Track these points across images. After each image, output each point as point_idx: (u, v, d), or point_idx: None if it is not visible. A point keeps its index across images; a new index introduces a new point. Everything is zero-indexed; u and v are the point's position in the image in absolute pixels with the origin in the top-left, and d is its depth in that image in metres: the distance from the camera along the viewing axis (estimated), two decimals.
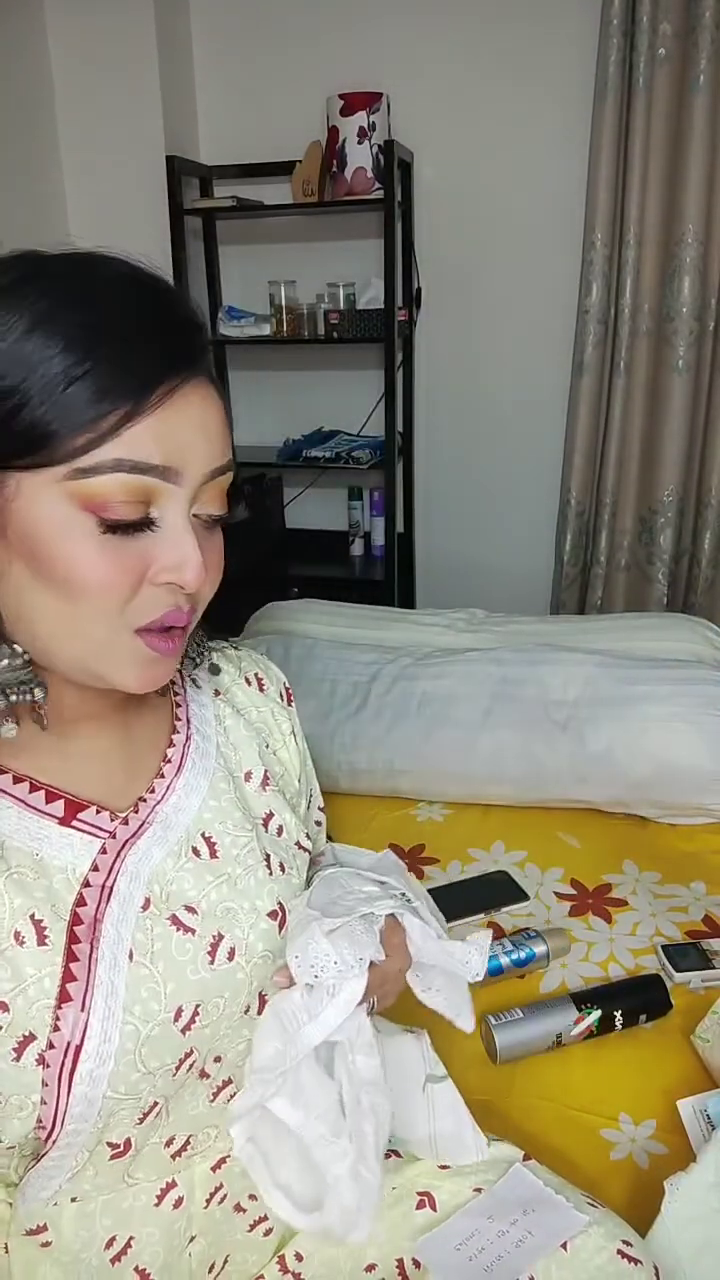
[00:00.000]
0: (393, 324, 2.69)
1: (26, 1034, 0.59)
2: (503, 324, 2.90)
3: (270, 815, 0.77)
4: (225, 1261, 0.76)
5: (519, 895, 1.42)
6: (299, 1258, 0.80)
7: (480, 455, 3.05)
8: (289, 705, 0.85)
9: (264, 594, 2.23)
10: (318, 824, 0.92)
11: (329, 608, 2.08)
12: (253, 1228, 0.77)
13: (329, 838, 0.94)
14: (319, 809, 0.92)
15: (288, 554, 3.20)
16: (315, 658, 1.84)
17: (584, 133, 2.58)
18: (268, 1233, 0.78)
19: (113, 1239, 0.68)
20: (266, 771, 0.78)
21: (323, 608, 2.08)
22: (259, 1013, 0.71)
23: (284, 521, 3.26)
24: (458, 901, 1.39)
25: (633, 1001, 1.18)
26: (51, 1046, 0.60)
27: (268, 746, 0.80)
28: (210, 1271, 0.75)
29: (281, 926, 0.72)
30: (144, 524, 0.56)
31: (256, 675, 0.83)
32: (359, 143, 2.59)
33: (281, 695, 0.85)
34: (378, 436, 2.89)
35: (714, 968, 1.26)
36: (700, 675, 1.67)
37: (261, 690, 0.83)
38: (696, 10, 2.37)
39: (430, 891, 0.91)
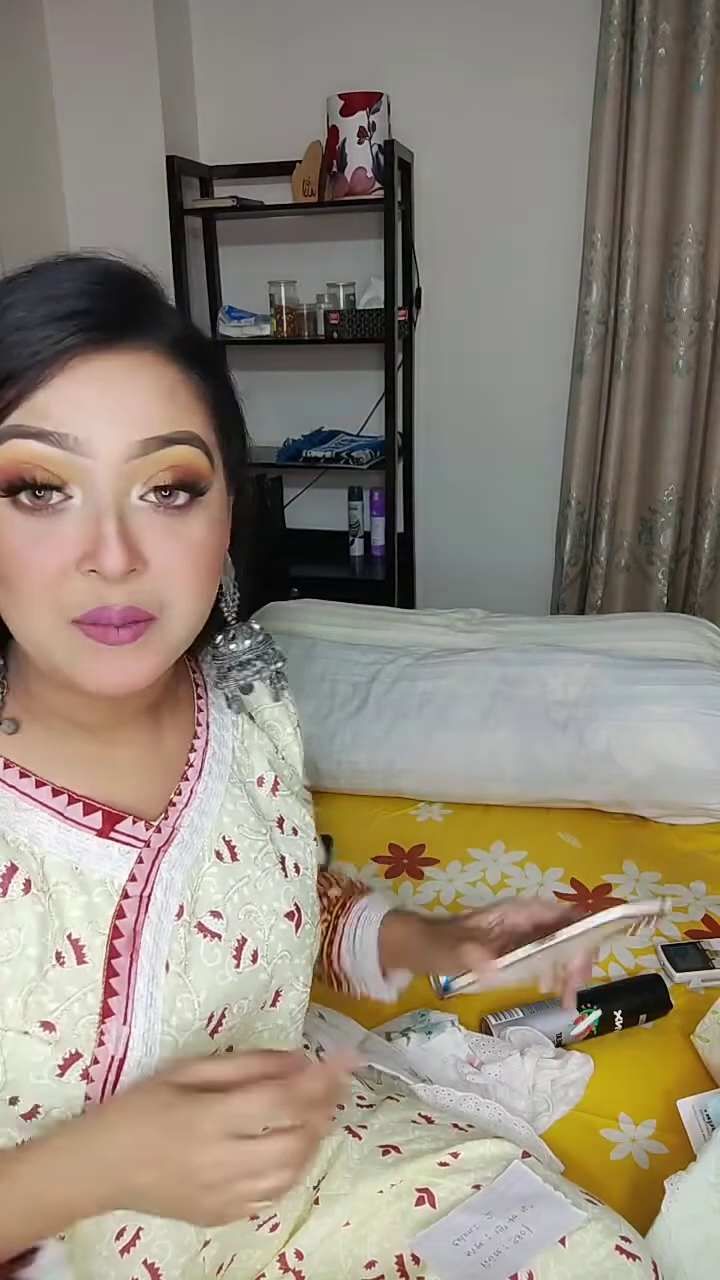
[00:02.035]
0: (393, 324, 2.69)
1: (73, 1052, 0.60)
2: (503, 324, 2.90)
3: (282, 819, 0.77)
4: (232, 1260, 0.76)
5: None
6: (299, 1255, 0.80)
7: (480, 455, 3.05)
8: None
9: (264, 594, 2.23)
10: None
11: (329, 608, 2.08)
12: (259, 1225, 0.77)
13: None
14: None
15: (288, 554, 3.20)
16: (315, 658, 1.84)
17: (584, 133, 2.58)
18: (274, 1228, 0.78)
19: (123, 1230, 0.68)
20: (277, 777, 0.78)
21: (323, 608, 2.08)
22: (273, 1005, 0.73)
23: (284, 522, 3.26)
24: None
25: (633, 1001, 1.18)
26: (96, 1062, 0.60)
27: (277, 750, 0.80)
28: (219, 1272, 0.75)
29: (298, 928, 0.72)
30: (51, 495, 0.54)
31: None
32: (359, 143, 2.59)
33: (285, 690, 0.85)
34: (378, 436, 2.89)
35: (714, 968, 1.26)
36: (700, 675, 1.67)
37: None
38: (696, 10, 2.37)
39: None
